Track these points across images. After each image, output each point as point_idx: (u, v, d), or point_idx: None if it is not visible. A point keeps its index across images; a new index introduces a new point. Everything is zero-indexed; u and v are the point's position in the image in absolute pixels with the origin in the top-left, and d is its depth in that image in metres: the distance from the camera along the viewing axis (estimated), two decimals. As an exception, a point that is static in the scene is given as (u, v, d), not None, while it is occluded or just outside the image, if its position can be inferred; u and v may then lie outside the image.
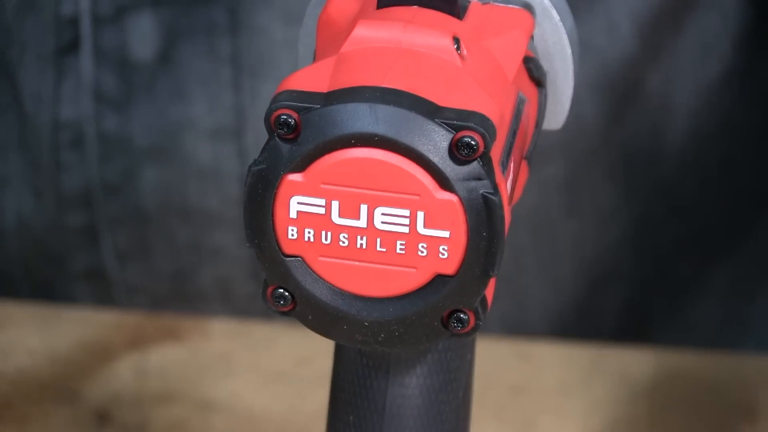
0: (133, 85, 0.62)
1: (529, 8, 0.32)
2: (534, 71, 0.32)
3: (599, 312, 0.67)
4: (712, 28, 0.62)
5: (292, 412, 0.57)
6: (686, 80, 0.63)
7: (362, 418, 0.33)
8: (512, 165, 0.30)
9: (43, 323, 0.63)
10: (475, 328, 0.28)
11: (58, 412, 0.57)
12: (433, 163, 0.26)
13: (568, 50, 0.33)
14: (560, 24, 0.33)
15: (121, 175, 0.63)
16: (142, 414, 0.57)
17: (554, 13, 0.33)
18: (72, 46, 0.62)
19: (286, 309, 0.29)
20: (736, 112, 0.63)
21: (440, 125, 0.26)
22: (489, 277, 0.27)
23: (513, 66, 0.30)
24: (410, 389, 0.32)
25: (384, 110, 0.26)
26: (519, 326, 0.66)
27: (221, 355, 0.61)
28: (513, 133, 0.30)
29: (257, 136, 0.57)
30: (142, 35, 0.61)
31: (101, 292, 0.66)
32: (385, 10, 0.29)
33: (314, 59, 0.31)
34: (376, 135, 0.26)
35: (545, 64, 0.33)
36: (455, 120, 0.26)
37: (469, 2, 0.31)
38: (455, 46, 0.28)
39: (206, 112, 0.62)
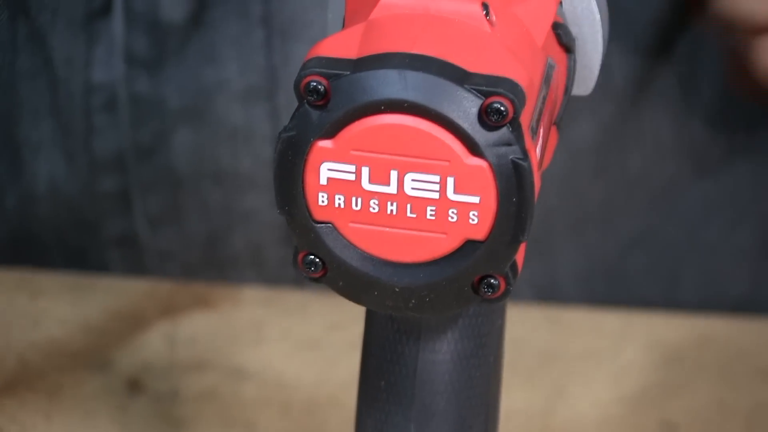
0: (164, 48, 0.62)
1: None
2: (563, 37, 0.32)
3: (628, 276, 0.67)
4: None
5: (323, 379, 0.58)
6: (715, 42, 0.62)
7: (393, 384, 0.33)
8: (542, 131, 0.30)
9: (74, 292, 0.63)
10: (506, 294, 0.28)
11: (90, 381, 0.57)
12: (463, 128, 0.26)
13: (597, 16, 0.33)
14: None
15: (153, 138, 0.64)
16: (174, 382, 0.58)
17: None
18: (103, 10, 0.62)
19: (316, 275, 0.29)
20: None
21: (470, 91, 0.26)
22: (519, 242, 0.28)
23: (542, 32, 0.30)
24: (441, 354, 0.32)
25: (413, 76, 0.26)
26: (549, 291, 0.66)
27: (252, 323, 0.61)
28: (543, 99, 0.30)
29: (289, 97, 0.58)
30: None
31: (133, 258, 0.66)
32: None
33: (343, 25, 0.31)
34: (405, 101, 0.26)
35: (574, 30, 0.33)
36: (484, 86, 0.26)
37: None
38: (484, 12, 0.28)
39: (238, 73, 0.62)
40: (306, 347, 0.60)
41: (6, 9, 0.61)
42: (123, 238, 0.66)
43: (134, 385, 0.57)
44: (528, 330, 0.59)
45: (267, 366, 0.58)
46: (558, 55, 0.32)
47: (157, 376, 0.58)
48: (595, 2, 0.33)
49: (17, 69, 0.64)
